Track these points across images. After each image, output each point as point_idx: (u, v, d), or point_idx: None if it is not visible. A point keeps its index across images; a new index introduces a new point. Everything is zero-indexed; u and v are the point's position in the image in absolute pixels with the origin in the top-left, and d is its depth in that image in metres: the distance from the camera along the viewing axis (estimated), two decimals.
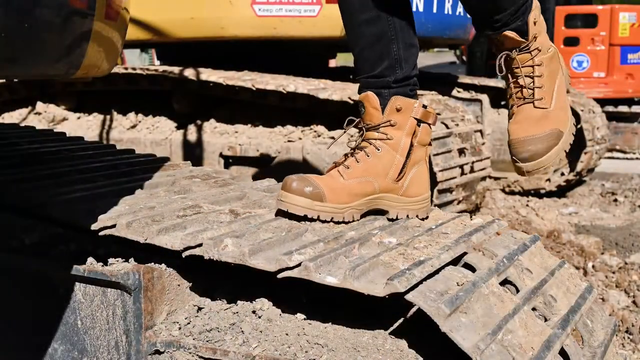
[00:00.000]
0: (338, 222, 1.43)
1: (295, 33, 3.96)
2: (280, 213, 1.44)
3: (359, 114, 1.54)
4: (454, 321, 1.04)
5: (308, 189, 1.40)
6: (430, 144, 1.56)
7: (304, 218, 1.41)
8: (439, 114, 1.61)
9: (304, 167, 3.56)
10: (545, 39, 1.56)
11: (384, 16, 1.50)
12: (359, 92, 1.54)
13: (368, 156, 1.49)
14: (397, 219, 1.51)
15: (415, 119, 1.52)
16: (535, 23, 1.52)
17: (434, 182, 3.33)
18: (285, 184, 1.42)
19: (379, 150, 1.50)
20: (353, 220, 1.45)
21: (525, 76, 1.53)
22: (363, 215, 1.49)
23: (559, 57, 1.61)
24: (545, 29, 1.57)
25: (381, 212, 1.52)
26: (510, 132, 1.54)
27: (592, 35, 7.86)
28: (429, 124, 1.54)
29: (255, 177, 3.46)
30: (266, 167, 3.75)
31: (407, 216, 1.51)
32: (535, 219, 4.18)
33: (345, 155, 1.52)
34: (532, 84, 1.52)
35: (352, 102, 3.38)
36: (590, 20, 7.90)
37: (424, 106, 1.53)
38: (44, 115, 4.36)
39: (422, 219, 1.53)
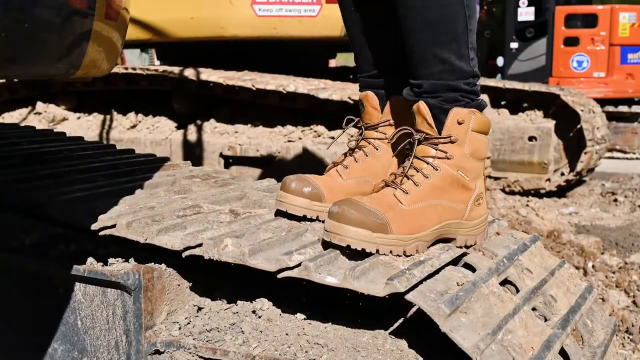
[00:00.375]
0: None
1: (295, 33, 3.97)
2: (280, 213, 1.44)
3: (359, 114, 1.54)
4: (454, 321, 1.04)
5: (307, 189, 1.40)
6: None
7: (304, 218, 1.40)
8: None
9: (304, 167, 3.56)
10: (471, 169, 1.32)
11: (384, 16, 1.50)
12: (360, 92, 1.54)
13: (367, 156, 1.49)
14: None
15: None
16: (460, 124, 1.29)
17: None
18: (284, 184, 1.41)
19: (377, 149, 1.49)
20: None
21: (413, 167, 1.30)
22: None
23: (482, 220, 1.35)
24: (481, 158, 1.33)
25: None
26: None
27: (592, 35, 7.86)
28: None
29: (255, 177, 3.45)
30: (266, 167, 3.75)
31: None
32: (535, 219, 4.18)
33: (344, 154, 1.52)
34: (413, 177, 1.29)
35: (352, 102, 3.38)
36: (590, 20, 7.91)
37: None
38: (44, 115, 4.36)
39: None
